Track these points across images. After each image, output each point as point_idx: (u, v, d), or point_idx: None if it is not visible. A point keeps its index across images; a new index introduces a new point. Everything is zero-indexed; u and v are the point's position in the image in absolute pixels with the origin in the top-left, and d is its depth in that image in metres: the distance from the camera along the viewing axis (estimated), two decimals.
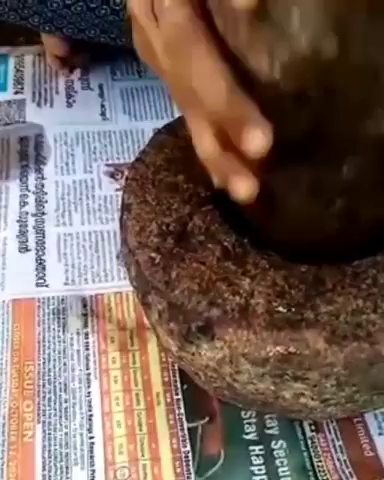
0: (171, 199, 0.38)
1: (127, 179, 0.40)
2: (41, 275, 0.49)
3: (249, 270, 0.35)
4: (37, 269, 0.49)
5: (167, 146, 0.41)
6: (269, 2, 0.26)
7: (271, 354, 0.32)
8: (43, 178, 0.55)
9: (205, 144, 0.29)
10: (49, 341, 0.45)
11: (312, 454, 0.41)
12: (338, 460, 0.40)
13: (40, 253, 0.50)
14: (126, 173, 0.55)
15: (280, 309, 0.33)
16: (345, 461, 0.40)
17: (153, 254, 0.36)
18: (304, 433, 0.42)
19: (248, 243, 0.36)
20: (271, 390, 0.34)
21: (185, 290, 0.34)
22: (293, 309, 0.33)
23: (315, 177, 0.32)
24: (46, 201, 0.54)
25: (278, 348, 0.32)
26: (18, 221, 0.52)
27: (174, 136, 0.42)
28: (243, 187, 0.28)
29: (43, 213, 0.53)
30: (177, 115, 0.58)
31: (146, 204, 0.38)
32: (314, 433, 0.42)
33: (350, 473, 0.40)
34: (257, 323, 0.33)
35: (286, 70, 0.27)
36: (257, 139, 0.26)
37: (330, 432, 0.42)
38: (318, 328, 0.32)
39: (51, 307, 0.47)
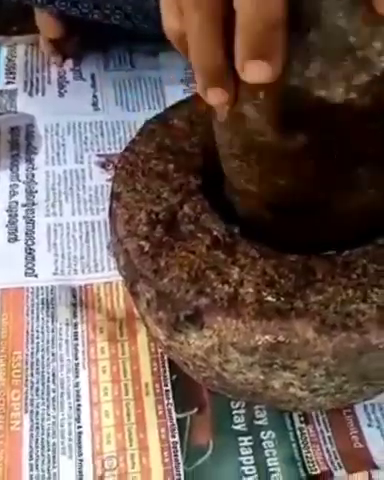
0: (161, 188, 0.38)
1: (116, 168, 0.40)
2: (30, 265, 0.49)
3: (239, 259, 0.34)
4: (26, 259, 0.49)
5: (157, 135, 0.41)
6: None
7: (260, 343, 0.32)
8: (34, 168, 0.55)
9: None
10: (37, 331, 0.45)
11: (301, 445, 0.41)
12: (327, 451, 0.40)
13: (29, 243, 0.50)
14: None
15: (269, 298, 0.33)
16: (334, 452, 0.40)
17: (142, 242, 0.36)
18: (293, 424, 0.41)
19: (238, 233, 0.36)
20: (260, 380, 0.34)
21: (174, 279, 0.34)
22: (282, 298, 0.33)
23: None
24: (36, 191, 0.53)
25: (267, 337, 0.32)
26: (7, 211, 0.52)
27: (165, 125, 0.42)
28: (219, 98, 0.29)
29: (33, 203, 0.52)
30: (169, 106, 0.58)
31: (135, 193, 0.38)
32: (303, 424, 0.41)
33: (339, 464, 0.40)
34: (246, 312, 0.33)
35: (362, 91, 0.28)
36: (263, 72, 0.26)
37: (319, 423, 0.41)
38: (307, 317, 0.32)
39: (40, 297, 0.47)
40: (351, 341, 0.32)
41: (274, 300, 0.33)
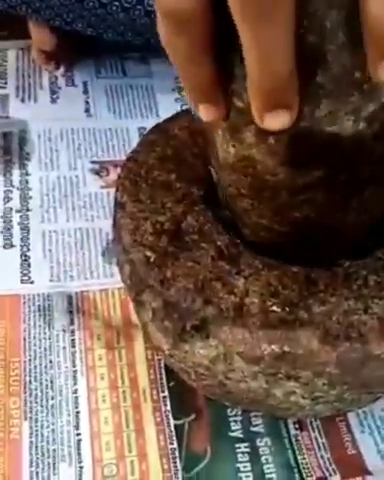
0: (165, 198, 0.38)
1: (119, 177, 0.40)
2: (26, 272, 0.49)
3: (243, 270, 0.35)
4: (22, 265, 0.49)
5: (159, 145, 0.42)
6: None
7: (266, 352, 0.33)
8: (27, 174, 0.55)
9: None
10: (35, 338, 0.45)
11: (296, 451, 0.41)
12: (322, 457, 0.41)
13: (25, 249, 0.50)
14: (111, 170, 0.55)
15: (274, 308, 0.34)
16: (328, 458, 0.41)
17: (148, 252, 0.36)
18: (288, 431, 0.42)
19: (241, 243, 0.36)
20: (263, 388, 0.35)
21: (180, 289, 0.35)
22: (287, 309, 0.33)
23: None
24: (31, 197, 0.53)
25: (273, 346, 0.33)
26: (2, 217, 0.52)
27: (165, 135, 0.42)
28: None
29: (28, 209, 0.52)
30: (162, 114, 0.58)
31: (140, 203, 0.39)
32: (298, 431, 0.42)
33: (333, 470, 0.41)
34: (252, 322, 0.33)
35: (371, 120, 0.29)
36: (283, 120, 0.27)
37: (314, 430, 0.42)
38: (312, 328, 0.33)
39: (37, 304, 0.47)
40: (354, 351, 0.33)
41: (279, 310, 0.33)
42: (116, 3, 0.53)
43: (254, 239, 0.36)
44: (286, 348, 0.33)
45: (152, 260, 0.36)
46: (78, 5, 0.53)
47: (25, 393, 0.43)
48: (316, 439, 0.42)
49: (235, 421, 0.43)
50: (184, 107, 0.57)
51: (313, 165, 0.31)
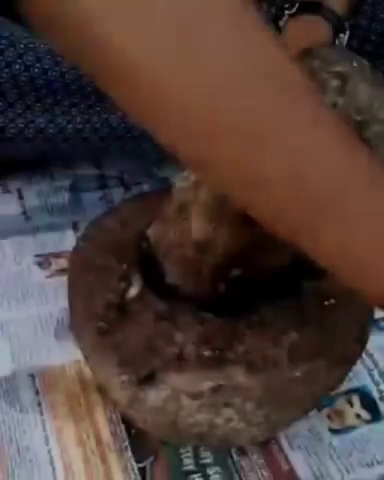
0: (108, 278, 0.48)
1: (69, 265, 0.50)
2: None
3: (180, 326, 0.45)
4: None
5: (98, 237, 0.51)
6: None
7: (205, 388, 0.42)
8: None
9: None
10: (7, 412, 0.53)
11: (241, 474, 0.50)
12: (262, 476, 0.50)
13: None
14: (53, 262, 0.65)
15: (206, 353, 0.43)
16: (267, 476, 0.50)
17: (100, 323, 0.45)
18: (232, 458, 0.51)
19: (175, 305, 0.46)
20: (207, 419, 0.44)
21: (131, 348, 0.44)
22: (217, 352, 0.43)
23: None
24: None
25: (209, 382, 0.42)
26: None
27: (101, 228, 0.52)
28: None
29: None
30: (88, 210, 0.69)
31: (88, 284, 0.48)
32: (240, 457, 0.51)
33: None
34: (191, 366, 0.43)
35: None
36: None
37: (253, 454, 0.51)
38: (237, 363, 0.43)
39: (5, 384, 0.55)
40: (271, 377, 0.43)
41: (211, 353, 0.43)
42: None
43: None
44: (220, 381, 0.42)
45: (105, 329, 0.45)
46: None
47: (6, 459, 0.50)
48: (256, 461, 0.51)
49: (187, 456, 0.51)
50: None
51: None
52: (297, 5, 0.49)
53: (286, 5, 0.49)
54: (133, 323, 0.45)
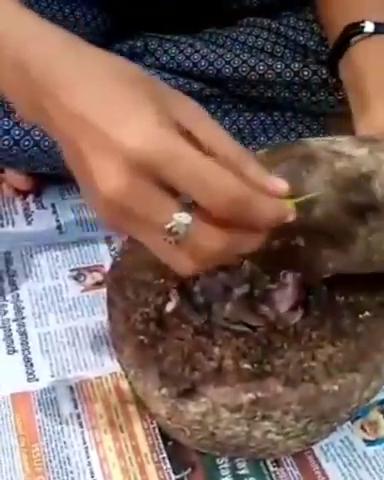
0: (146, 293, 0.49)
1: (108, 280, 0.51)
2: (30, 371, 0.58)
3: (217, 340, 0.46)
4: (26, 366, 0.58)
5: (133, 253, 0.53)
6: None
7: (244, 401, 0.43)
8: (17, 288, 0.65)
9: None
10: (48, 424, 0.54)
11: None
12: None
13: (26, 353, 0.59)
14: (88, 276, 0.66)
15: (245, 366, 0.44)
16: None
17: (141, 337, 0.47)
18: (268, 469, 0.52)
19: (211, 320, 0.47)
20: (245, 432, 0.45)
21: (171, 362, 0.45)
22: (255, 365, 0.44)
23: None
24: (23, 307, 0.63)
25: (249, 395, 0.43)
26: (2, 327, 0.61)
27: (136, 244, 0.53)
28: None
29: (23, 317, 0.62)
30: None
31: (127, 298, 0.49)
32: (276, 468, 0.52)
33: None
34: (230, 379, 0.44)
35: None
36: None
37: (288, 465, 0.52)
38: (275, 376, 0.44)
39: (44, 396, 0.56)
40: (309, 390, 0.43)
41: (249, 367, 0.44)
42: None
43: None
44: (259, 394, 0.43)
45: (145, 342, 0.46)
46: (42, 154, 0.65)
47: (48, 471, 0.51)
48: (291, 472, 0.51)
49: (223, 468, 0.52)
50: None
51: None
52: None
53: None
54: (172, 337, 0.46)
